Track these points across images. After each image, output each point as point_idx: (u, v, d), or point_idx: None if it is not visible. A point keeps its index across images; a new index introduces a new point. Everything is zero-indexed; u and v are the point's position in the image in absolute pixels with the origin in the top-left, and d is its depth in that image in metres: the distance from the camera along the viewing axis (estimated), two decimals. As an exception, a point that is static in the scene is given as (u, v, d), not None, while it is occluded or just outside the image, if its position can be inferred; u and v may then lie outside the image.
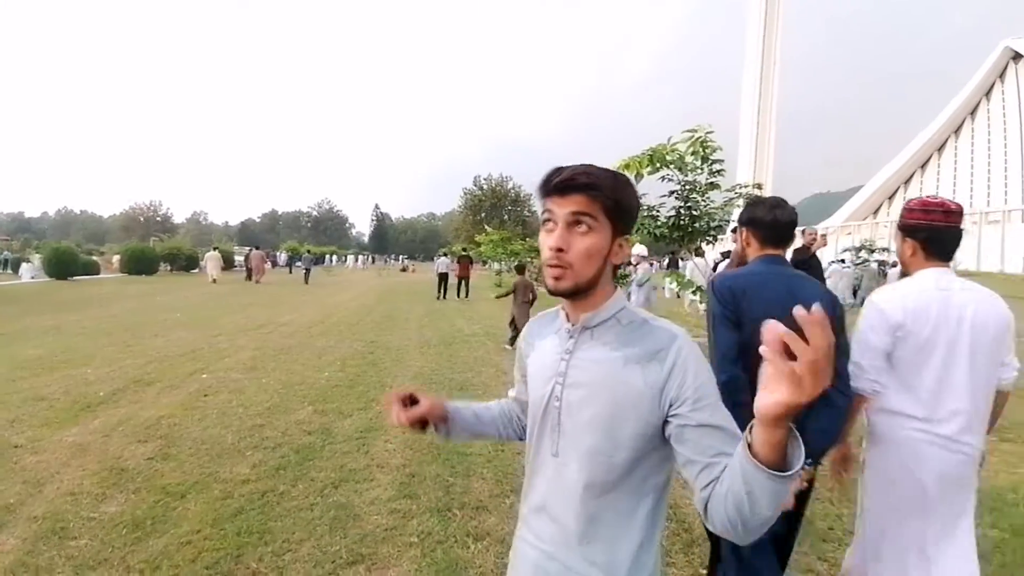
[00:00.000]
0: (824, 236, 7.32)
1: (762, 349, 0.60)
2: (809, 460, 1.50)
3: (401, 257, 65.07)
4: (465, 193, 52.13)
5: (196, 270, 31.30)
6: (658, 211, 5.70)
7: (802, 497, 1.68)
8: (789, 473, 0.65)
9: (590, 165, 0.88)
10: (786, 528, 1.73)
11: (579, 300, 0.92)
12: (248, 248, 30.09)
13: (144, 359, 6.56)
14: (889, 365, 1.62)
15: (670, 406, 0.84)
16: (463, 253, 18.27)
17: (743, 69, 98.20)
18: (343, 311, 12.39)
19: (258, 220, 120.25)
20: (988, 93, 75.79)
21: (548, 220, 0.88)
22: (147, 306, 12.83)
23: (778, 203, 1.77)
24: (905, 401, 1.61)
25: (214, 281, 21.68)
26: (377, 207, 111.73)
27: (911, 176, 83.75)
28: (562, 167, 0.88)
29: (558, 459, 0.94)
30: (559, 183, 0.86)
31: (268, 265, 28.49)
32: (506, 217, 47.96)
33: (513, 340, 8.02)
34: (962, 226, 1.67)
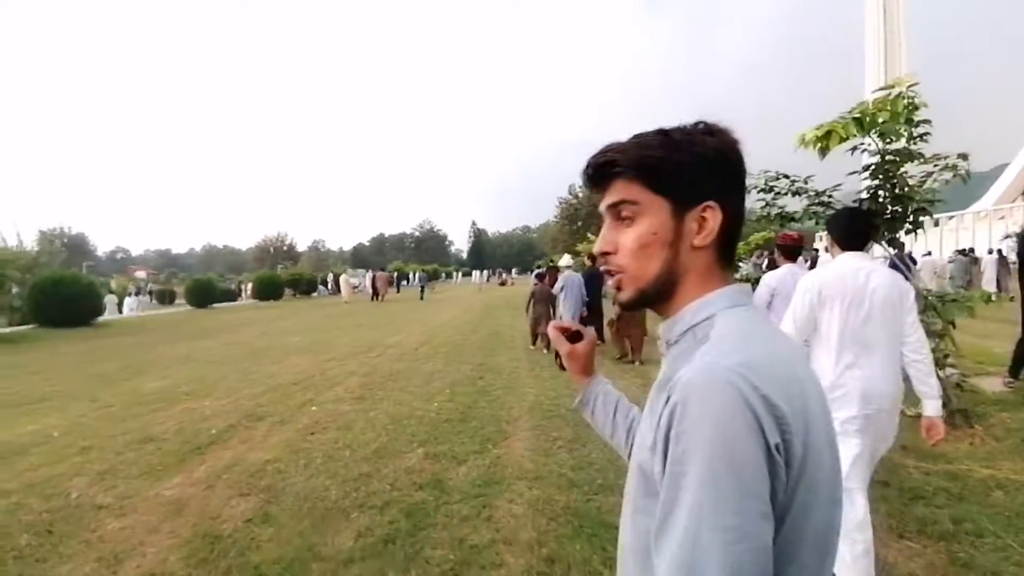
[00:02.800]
0: None
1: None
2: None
3: (498, 271, 65.69)
4: (560, 203, 51.46)
5: (315, 294, 33.77)
6: (830, 196, 4.48)
7: None
8: None
9: (613, 143, 0.68)
10: None
11: (661, 307, 0.69)
12: (365, 270, 32.21)
13: (261, 388, 6.51)
14: (770, 310, 3.22)
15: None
16: (550, 264, 17.57)
17: (864, 39, 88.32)
18: (448, 330, 12.12)
19: (367, 244, 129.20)
20: None
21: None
22: (271, 331, 13.54)
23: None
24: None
25: (347, 302, 23.46)
26: (474, 223, 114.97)
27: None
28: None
29: None
30: (588, 178, 0.71)
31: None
32: (604, 224, 46.52)
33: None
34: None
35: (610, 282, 0.69)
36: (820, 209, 4.44)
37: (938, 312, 3.92)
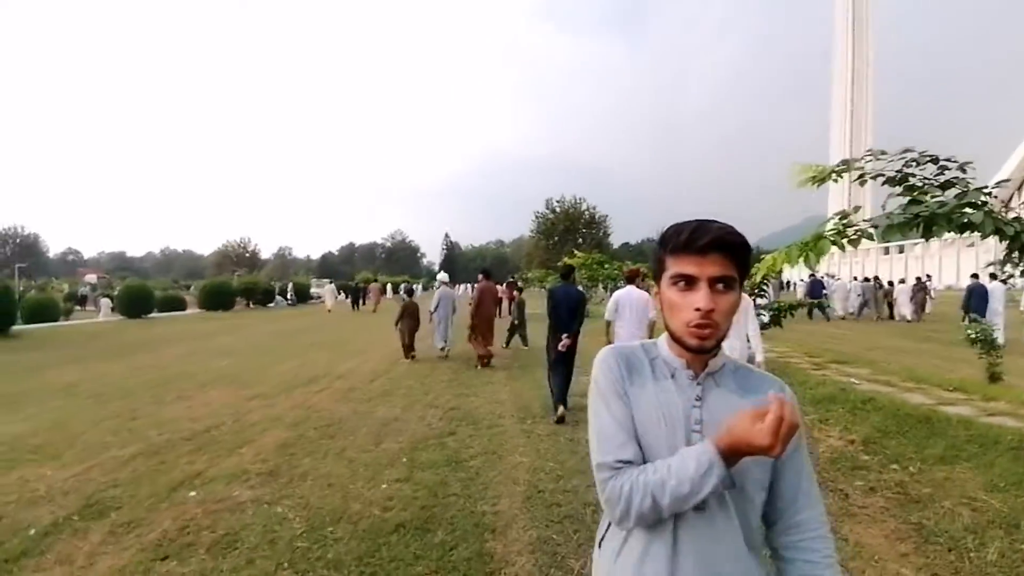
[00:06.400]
0: None
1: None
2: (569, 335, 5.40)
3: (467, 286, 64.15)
4: (537, 217, 50.15)
5: (272, 304, 31.23)
6: (989, 193, 2.96)
7: (572, 349, 5.47)
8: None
9: (726, 224, 0.88)
10: (566, 361, 5.48)
11: (715, 349, 0.92)
12: (330, 280, 33.90)
13: (135, 447, 4.56)
14: (617, 312, 4.99)
15: None
16: (510, 280, 16.73)
17: (832, 74, 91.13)
18: (416, 353, 10.28)
19: (336, 253, 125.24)
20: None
21: (684, 278, 0.87)
22: (201, 350, 11.39)
23: (564, 266, 6.67)
24: (619, 323, 4.98)
25: (330, 311, 24.22)
26: (447, 236, 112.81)
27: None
28: (699, 224, 0.87)
29: (706, 513, 0.87)
30: (704, 244, 0.85)
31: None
32: (580, 240, 45.27)
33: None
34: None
35: (699, 332, 0.85)
36: (970, 211, 2.90)
37: None
